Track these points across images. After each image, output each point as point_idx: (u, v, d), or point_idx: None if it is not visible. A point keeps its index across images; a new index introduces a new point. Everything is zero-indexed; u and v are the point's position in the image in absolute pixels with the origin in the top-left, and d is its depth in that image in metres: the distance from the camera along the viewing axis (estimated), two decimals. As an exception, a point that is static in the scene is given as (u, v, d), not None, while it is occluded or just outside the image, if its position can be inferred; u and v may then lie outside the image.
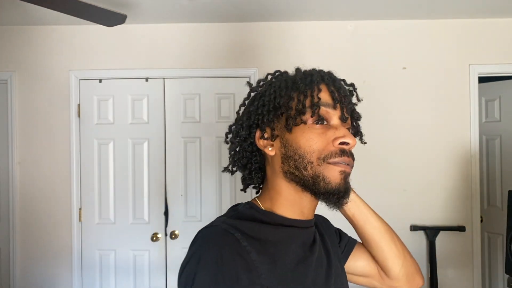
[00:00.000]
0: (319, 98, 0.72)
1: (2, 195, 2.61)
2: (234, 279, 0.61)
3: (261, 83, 0.80)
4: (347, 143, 0.70)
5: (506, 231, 2.24)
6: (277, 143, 0.74)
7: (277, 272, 0.66)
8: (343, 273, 0.83)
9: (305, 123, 0.71)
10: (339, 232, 0.94)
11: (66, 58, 2.59)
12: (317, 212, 0.80)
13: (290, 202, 0.74)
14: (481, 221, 2.63)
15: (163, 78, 2.60)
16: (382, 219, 0.89)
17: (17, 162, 2.58)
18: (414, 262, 0.90)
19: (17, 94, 2.59)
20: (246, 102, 0.81)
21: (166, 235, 2.57)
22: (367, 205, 0.89)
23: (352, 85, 0.80)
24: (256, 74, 2.53)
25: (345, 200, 0.71)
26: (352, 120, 0.77)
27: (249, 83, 0.83)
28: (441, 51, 2.55)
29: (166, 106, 2.60)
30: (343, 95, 0.74)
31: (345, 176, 0.71)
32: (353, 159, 0.73)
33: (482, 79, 2.62)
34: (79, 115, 2.60)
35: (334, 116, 0.72)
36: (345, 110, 0.74)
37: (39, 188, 2.58)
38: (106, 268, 2.59)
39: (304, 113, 0.71)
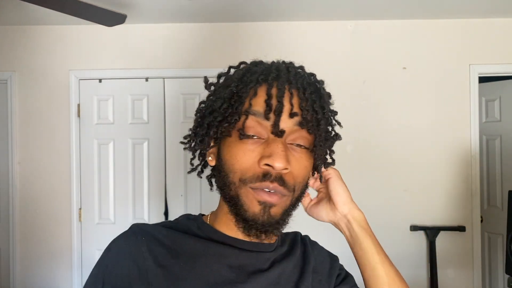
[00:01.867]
0: (250, 105, 0.59)
1: (2, 195, 2.61)
2: (111, 285, 0.60)
3: (219, 77, 0.70)
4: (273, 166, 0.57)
5: (506, 231, 2.24)
6: (214, 152, 0.66)
7: (173, 286, 0.59)
8: None
9: (228, 135, 0.60)
10: (343, 275, 0.74)
11: (66, 58, 2.59)
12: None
13: (229, 219, 0.64)
14: (481, 221, 2.63)
15: (163, 78, 2.60)
16: (390, 264, 0.69)
17: (17, 162, 2.58)
18: None
19: (17, 94, 2.59)
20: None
21: (166, 235, 2.57)
22: (375, 239, 0.70)
23: (314, 81, 0.64)
24: (256, 74, 2.53)
25: (267, 234, 0.61)
26: (309, 128, 0.60)
27: (205, 78, 0.70)
28: (441, 51, 2.54)
29: (166, 106, 2.60)
30: (291, 100, 0.59)
31: (265, 207, 0.59)
32: (286, 187, 0.59)
33: (482, 79, 2.62)
34: (79, 115, 2.60)
35: (266, 131, 0.59)
36: (282, 120, 0.58)
37: (39, 188, 2.58)
38: (106, 268, 2.59)
39: (230, 122, 0.60)
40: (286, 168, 0.58)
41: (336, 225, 0.73)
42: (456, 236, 2.53)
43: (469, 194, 2.54)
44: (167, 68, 2.58)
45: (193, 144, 0.69)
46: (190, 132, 0.70)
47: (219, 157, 0.64)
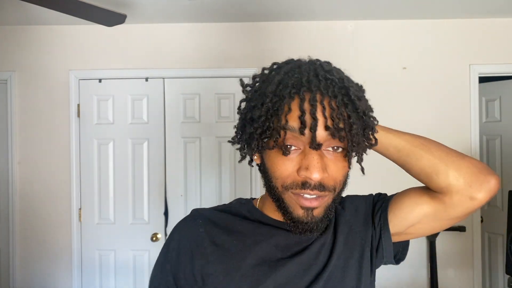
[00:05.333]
0: (286, 121, 0.61)
1: (2, 195, 2.61)
2: (177, 261, 0.74)
3: (256, 79, 0.73)
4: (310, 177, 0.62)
5: (506, 231, 2.24)
6: (258, 155, 0.71)
7: (229, 263, 0.70)
8: (350, 269, 0.73)
9: (270, 148, 0.64)
10: (373, 206, 0.80)
11: (66, 58, 2.59)
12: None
13: (276, 207, 0.70)
14: (482, 221, 2.63)
15: (163, 78, 2.60)
16: (409, 135, 0.75)
17: (17, 162, 2.58)
18: (472, 162, 0.71)
19: (17, 94, 2.58)
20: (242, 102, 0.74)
21: (166, 235, 2.57)
22: (384, 127, 0.76)
23: (345, 83, 0.64)
24: (256, 74, 2.52)
25: (312, 232, 0.67)
26: (341, 137, 0.62)
27: (241, 81, 0.75)
28: (441, 51, 2.54)
29: (166, 106, 2.60)
30: (324, 112, 0.61)
31: (308, 210, 0.64)
32: (327, 190, 0.64)
33: (482, 79, 2.62)
34: (79, 115, 2.60)
35: (302, 142, 0.63)
36: (318, 134, 0.61)
37: (39, 188, 2.58)
38: (106, 268, 2.59)
39: (269, 137, 0.63)
40: (323, 178, 0.62)
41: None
42: (456, 236, 2.53)
43: (469, 194, 2.53)
44: (167, 68, 2.58)
45: (239, 147, 0.75)
46: (235, 131, 0.76)
47: (262, 160, 0.70)
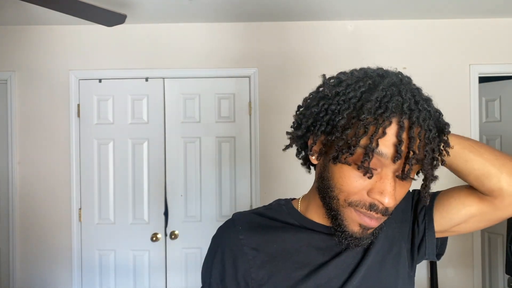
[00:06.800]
0: (377, 145, 0.58)
1: (2, 195, 2.61)
2: (222, 269, 0.73)
3: (341, 78, 0.67)
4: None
5: (506, 231, 2.24)
6: (321, 158, 0.68)
7: (270, 267, 0.71)
8: (388, 266, 0.74)
9: (348, 164, 0.61)
10: (416, 202, 0.79)
11: (66, 58, 2.59)
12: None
13: (320, 209, 0.71)
14: (481, 221, 2.63)
15: (163, 78, 2.60)
16: (454, 136, 0.73)
17: (17, 162, 2.58)
18: None
19: (17, 94, 2.59)
20: (313, 95, 0.69)
21: (166, 235, 2.57)
22: (467, 148, 0.72)
23: (433, 112, 0.64)
24: (256, 74, 2.53)
25: (357, 247, 0.67)
26: (422, 169, 0.61)
27: (323, 76, 0.69)
28: (441, 51, 2.55)
29: (166, 106, 2.60)
30: (417, 145, 0.59)
31: (364, 229, 0.64)
32: (387, 215, 0.64)
33: (482, 79, 2.62)
34: (79, 115, 2.60)
35: (387, 168, 0.61)
36: (407, 167, 0.59)
37: (39, 188, 2.58)
38: (106, 268, 2.59)
39: (352, 154, 0.60)
40: (392, 206, 0.62)
41: None
42: (456, 236, 2.52)
43: (469, 194, 2.53)
44: (167, 68, 2.58)
45: (299, 145, 0.73)
46: (296, 125, 0.70)
47: (324, 168, 0.66)
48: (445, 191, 0.79)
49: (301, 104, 0.71)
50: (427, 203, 0.73)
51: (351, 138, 0.60)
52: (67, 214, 2.57)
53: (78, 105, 2.60)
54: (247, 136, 2.58)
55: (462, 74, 2.54)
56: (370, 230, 0.66)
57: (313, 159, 0.69)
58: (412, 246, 0.78)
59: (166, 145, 2.60)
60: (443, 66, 2.54)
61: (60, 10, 1.68)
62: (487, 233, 3.01)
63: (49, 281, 2.57)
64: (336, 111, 0.63)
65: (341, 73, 0.68)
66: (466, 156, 0.71)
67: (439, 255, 0.82)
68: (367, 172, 0.59)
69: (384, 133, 0.58)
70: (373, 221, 0.63)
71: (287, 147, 0.72)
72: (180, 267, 2.56)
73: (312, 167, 0.77)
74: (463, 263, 2.54)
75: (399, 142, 0.59)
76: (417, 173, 0.67)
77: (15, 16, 2.44)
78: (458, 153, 0.71)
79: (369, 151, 0.58)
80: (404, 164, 0.59)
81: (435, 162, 0.62)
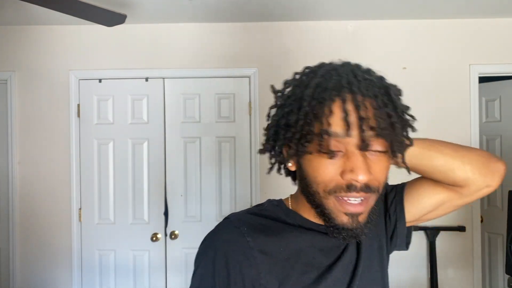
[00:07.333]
0: (329, 124, 0.60)
1: (2, 195, 2.61)
2: (226, 276, 0.66)
3: (287, 85, 0.70)
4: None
5: (506, 231, 2.24)
6: (293, 160, 0.68)
7: (279, 272, 0.66)
8: (375, 260, 0.76)
9: (310, 153, 0.62)
10: (384, 196, 0.82)
11: (66, 58, 2.59)
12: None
13: (312, 209, 0.70)
14: (481, 221, 2.63)
15: (163, 78, 2.60)
16: (415, 139, 0.72)
17: (17, 162, 2.58)
18: (480, 153, 0.76)
19: (17, 94, 2.58)
20: (273, 108, 0.72)
21: (166, 235, 2.57)
22: (426, 148, 0.75)
23: (383, 82, 0.66)
24: (256, 74, 2.53)
25: (355, 239, 0.65)
26: (385, 136, 0.61)
27: (272, 87, 0.72)
28: (441, 51, 2.55)
29: (166, 106, 2.60)
30: (367, 112, 0.60)
31: (353, 217, 0.63)
32: (372, 191, 0.62)
33: (482, 79, 2.62)
34: (79, 115, 2.60)
35: (350, 145, 0.61)
36: (366, 135, 0.59)
37: (39, 188, 2.58)
38: (106, 268, 2.59)
39: (310, 141, 0.61)
40: (369, 179, 0.61)
41: None
42: (456, 236, 2.53)
43: (469, 194, 2.53)
44: (167, 68, 2.58)
45: (272, 154, 0.72)
46: (265, 139, 0.72)
47: (300, 166, 0.67)
48: (412, 181, 0.83)
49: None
50: (408, 172, 0.74)
51: (305, 127, 0.61)
52: (67, 214, 2.57)
53: (78, 105, 2.60)
54: (247, 136, 2.58)
55: (462, 74, 2.54)
56: (361, 218, 0.64)
57: (290, 166, 0.69)
58: (386, 238, 0.80)
59: (166, 145, 2.60)
60: (443, 66, 2.54)
61: (60, 10, 1.68)
62: (487, 233, 3.01)
63: (49, 281, 2.57)
64: (290, 111, 0.65)
65: (285, 80, 0.71)
66: (428, 155, 0.74)
67: (407, 244, 0.84)
68: (330, 153, 0.60)
69: (331, 112, 0.60)
70: (357, 206, 0.62)
71: (270, 169, 0.73)
72: (180, 267, 2.56)
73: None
74: (463, 263, 2.54)
75: (346, 115, 0.59)
76: (393, 149, 0.64)
77: (15, 16, 2.44)
78: (419, 153, 0.74)
79: (323, 133, 0.59)
80: (362, 132, 0.59)
81: (396, 130, 0.62)
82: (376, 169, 0.63)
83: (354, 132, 0.60)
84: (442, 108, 2.54)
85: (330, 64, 0.70)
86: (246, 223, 0.70)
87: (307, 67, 0.71)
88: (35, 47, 2.59)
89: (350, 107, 0.60)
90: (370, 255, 0.75)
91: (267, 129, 0.71)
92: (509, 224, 2.21)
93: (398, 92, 0.68)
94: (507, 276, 2.25)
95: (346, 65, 0.68)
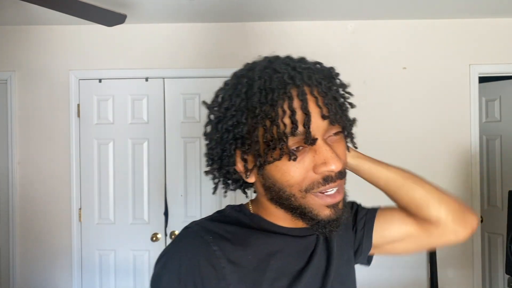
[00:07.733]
0: (287, 124, 0.57)
1: (2, 195, 2.61)
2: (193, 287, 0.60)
3: (220, 95, 0.66)
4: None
5: (506, 231, 2.24)
6: (254, 172, 0.64)
7: (249, 281, 0.63)
8: (346, 271, 0.77)
9: (278, 159, 0.59)
10: (355, 212, 0.82)
11: (66, 58, 2.59)
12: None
13: (279, 214, 0.67)
14: (481, 221, 2.63)
15: (163, 78, 2.60)
16: (397, 168, 0.79)
17: (17, 162, 2.58)
18: (456, 200, 0.78)
19: (17, 94, 2.58)
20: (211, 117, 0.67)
21: (166, 235, 2.57)
22: (372, 160, 0.80)
23: (320, 67, 0.66)
24: (256, 74, 2.53)
25: (338, 229, 0.64)
26: (338, 120, 0.61)
27: (204, 103, 0.68)
28: (441, 51, 2.54)
29: (166, 106, 2.60)
30: (318, 102, 0.59)
31: (334, 207, 0.62)
32: (344, 175, 0.63)
33: (482, 79, 2.62)
34: (79, 115, 2.60)
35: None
36: (324, 124, 0.60)
37: (39, 188, 2.58)
38: (106, 268, 2.59)
39: (274, 148, 0.58)
40: (341, 167, 0.60)
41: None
42: (456, 236, 2.52)
43: (469, 194, 2.54)
44: (167, 68, 2.58)
45: (220, 173, 0.69)
46: (209, 159, 0.69)
47: (263, 177, 0.63)
48: (386, 207, 0.83)
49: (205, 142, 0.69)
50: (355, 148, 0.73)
51: (265, 135, 0.58)
52: (67, 214, 2.57)
53: (78, 105, 2.60)
54: (247, 136, 2.57)
55: (462, 74, 2.54)
56: (340, 205, 0.63)
57: (247, 179, 0.65)
58: (352, 251, 0.81)
59: (166, 145, 2.60)
60: (443, 66, 2.54)
61: (60, 10, 1.68)
62: (487, 233, 3.01)
63: (49, 281, 2.57)
64: (235, 123, 0.61)
65: (216, 92, 0.68)
66: (409, 186, 0.77)
67: (369, 261, 0.85)
68: (292, 154, 0.58)
69: (284, 112, 0.58)
70: (335, 196, 0.62)
71: (215, 188, 0.70)
72: (180, 267, 2.56)
73: (248, 190, 0.75)
74: (463, 263, 2.54)
75: (302, 110, 0.58)
76: (347, 129, 0.65)
77: (15, 16, 2.44)
78: (401, 183, 0.77)
79: (286, 135, 0.57)
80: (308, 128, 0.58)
81: (345, 110, 0.64)
82: (340, 152, 0.62)
83: (313, 125, 0.58)
84: (442, 108, 2.54)
85: (259, 63, 0.66)
86: (210, 231, 0.65)
87: (234, 74, 0.68)
88: (35, 47, 2.59)
89: (301, 101, 0.58)
90: (339, 266, 0.73)
91: (210, 148, 0.67)
92: (509, 224, 2.22)
93: (334, 72, 0.67)
94: (507, 276, 2.25)
95: (277, 59, 0.64)
